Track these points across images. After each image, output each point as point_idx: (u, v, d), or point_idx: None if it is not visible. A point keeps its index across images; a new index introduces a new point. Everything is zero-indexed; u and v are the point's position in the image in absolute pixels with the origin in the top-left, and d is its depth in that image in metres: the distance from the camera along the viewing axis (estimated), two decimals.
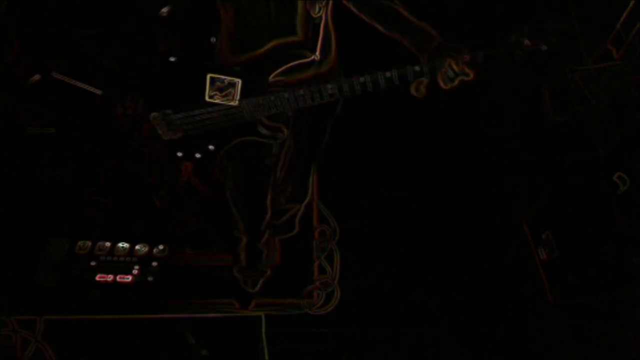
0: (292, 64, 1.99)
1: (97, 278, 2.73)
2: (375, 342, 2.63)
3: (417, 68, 1.91)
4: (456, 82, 1.93)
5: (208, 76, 2.00)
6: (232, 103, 2.02)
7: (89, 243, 2.82)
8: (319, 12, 1.97)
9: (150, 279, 2.75)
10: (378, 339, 2.64)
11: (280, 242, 2.78)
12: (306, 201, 2.70)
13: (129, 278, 2.74)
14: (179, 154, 2.13)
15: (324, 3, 1.97)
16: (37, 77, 3.19)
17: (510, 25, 2.90)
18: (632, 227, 2.23)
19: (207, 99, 2.02)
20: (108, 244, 2.82)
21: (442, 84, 1.95)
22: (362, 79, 1.93)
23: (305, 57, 2.00)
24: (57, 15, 3.24)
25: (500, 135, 3.16)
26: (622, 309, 2.41)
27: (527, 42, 1.87)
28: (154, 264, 2.78)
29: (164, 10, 2.05)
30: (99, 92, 3.24)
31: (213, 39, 2.05)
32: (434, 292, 2.74)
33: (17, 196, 2.97)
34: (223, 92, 2.01)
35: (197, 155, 2.13)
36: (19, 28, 3.23)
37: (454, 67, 1.89)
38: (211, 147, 2.10)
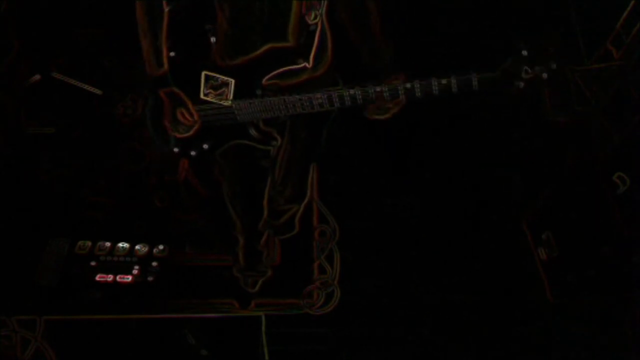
0: (283, 69, 1.99)
1: (97, 278, 2.73)
2: (375, 342, 2.63)
3: (408, 85, 1.88)
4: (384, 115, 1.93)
5: (203, 73, 2.00)
6: (225, 103, 2.02)
7: (89, 243, 2.82)
8: (315, 19, 1.96)
9: (150, 279, 2.75)
10: (378, 339, 2.64)
11: (280, 242, 2.78)
12: (305, 202, 2.70)
13: (129, 278, 2.74)
14: (176, 150, 2.14)
15: (320, 10, 1.96)
16: (37, 77, 3.19)
17: (510, 27, 2.91)
18: (632, 227, 2.22)
19: (201, 96, 2.03)
20: (108, 244, 2.83)
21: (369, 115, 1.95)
22: (352, 91, 1.92)
23: (297, 64, 2.00)
24: (57, 15, 3.24)
25: (500, 135, 3.16)
26: (622, 309, 2.41)
27: (528, 70, 1.80)
28: (154, 264, 2.79)
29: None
30: (99, 92, 3.24)
31: (213, 39, 2.05)
32: (434, 292, 2.74)
33: (17, 196, 2.97)
34: (217, 90, 2.01)
35: (192, 153, 2.13)
36: (19, 28, 3.23)
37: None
38: (205, 146, 2.10)
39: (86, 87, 3.23)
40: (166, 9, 1.98)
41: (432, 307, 2.70)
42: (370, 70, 1.98)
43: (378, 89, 1.89)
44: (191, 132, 2.05)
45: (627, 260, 2.23)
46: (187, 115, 2.01)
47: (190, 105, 2.01)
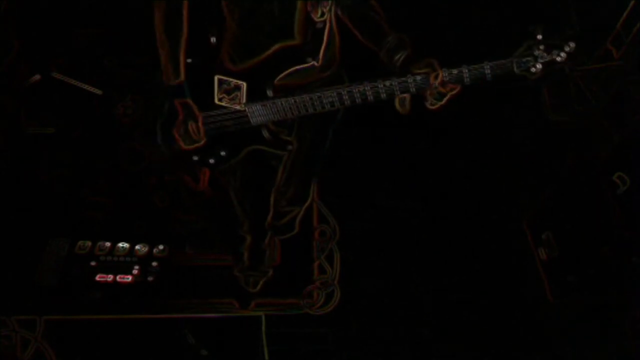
0: (292, 68, 1.97)
1: (97, 278, 2.73)
2: (375, 342, 2.63)
3: (418, 78, 1.83)
4: (436, 103, 1.84)
5: (216, 78, 1.99)
6: (238, 107, 2.00)
7: (89, 243, 2.82)
8: (321, 16, 1.93)
9: (150, 279, 2.75)
10: (378, 339, 2.64)
11: (280, 242, 2.78)
12: (307, 204, 2.70)
13: (129, 278, 2.74)
14: (195, 158, 2.12)
15: (327, 8, 1.93)
16: (37, 77, 3.19)
17: (512, 27, 2.91)
18: (632, 227, 2.22)
19: (216, 101, 2.01)
20: (108, 244, 2.83)
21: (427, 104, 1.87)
22: (361, 88, 1.89)
23: (306, 62, 1.98)
24: (57, 15, 3.24)
25: (500, 136, 3.16)
26: (622, 309, 2.41)
27: (543, 53, 1.74)
28: (154, 264, 2.79)
29: None
30: (99, 92, 3.24)
31: (213, 39, 2.04)
32: (433, 292, 2.74)
33: (17, 196, 2.97)
34: (230, 95, 1.99)
35: (211, 161, 2.11)
36: (19, 28, 3.23)
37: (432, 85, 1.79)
38: (223, 153, 2.09)
39: (86, 87, 3.23)
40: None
41: (432, 307, 2.70)
42: (398, 66, 1.90)
43: (387, 83, 1.86)
44: (192, 147, 2.05)
45: (627, 260, 2.23)
46: (194, 130, 2.00)
47: (200, 121, 2.00)
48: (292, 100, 1.95)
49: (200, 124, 2.00)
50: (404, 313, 2.69)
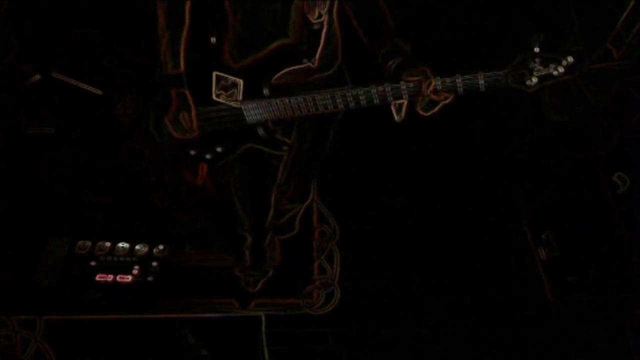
0: (287, 69, 1.97)
1: (97, 278, 2.73)
2: (375, 342, 2.63)
3: (411, 85, 1.83)
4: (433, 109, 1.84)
5: (214, 74, 1.99)
6: (234, 104, 2.01)
7: (89, 243, 2.82)
8: (318, 17, 1.92)
9: (150, 279, 2.75)
10: (378, 339, 2.64)
11: (280, 242, 2.78)
12: (308, 202, 2.69)
13: (129, 278, 2.74)
14: (192, 152, 2.13)
15: (325, 9, 1.92)
16: (37, 77, 3.19)
17: (510, 28, 2.91)
18: (632, 227, 2.22)
19: (214, 97, 2.02)
20: (108, 244, 2.83)
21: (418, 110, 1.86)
22: (354, 92, 1.88)
23: (302, 63, 1.98)
24: (57, 15, 3.24)
25: (500, 136, 3.16)
26: (622, 309, 2.41)
27: (539, 67, 1.72)
28: (154, 264, 2.79)
29: None
30: (99, 92, 3.24)
31: (213, 39, 2.04)
32: (433, 292, 2.74)
33: (17, 196, 2.97)
34: (227, 91, 2.00)
35: (207, 156, 2.12)
36: (19, 28, 3.23)
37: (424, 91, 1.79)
38: (219, 149, 2.09)
39: (86, 87, 3.23)
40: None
41: (432, 307, 2.70)
42: (391, 71, 1.91)
43: (380, 89, 1.86)
44: (183, 137, 2.04)
45: (627, 260, 2.23)
46: (187, 120, 2.00)
47: (193, 113, 1.99)
48: (287, 101, 1.95)
49: (193, 116, 2.00)
50: (404, 313, 2.69)
